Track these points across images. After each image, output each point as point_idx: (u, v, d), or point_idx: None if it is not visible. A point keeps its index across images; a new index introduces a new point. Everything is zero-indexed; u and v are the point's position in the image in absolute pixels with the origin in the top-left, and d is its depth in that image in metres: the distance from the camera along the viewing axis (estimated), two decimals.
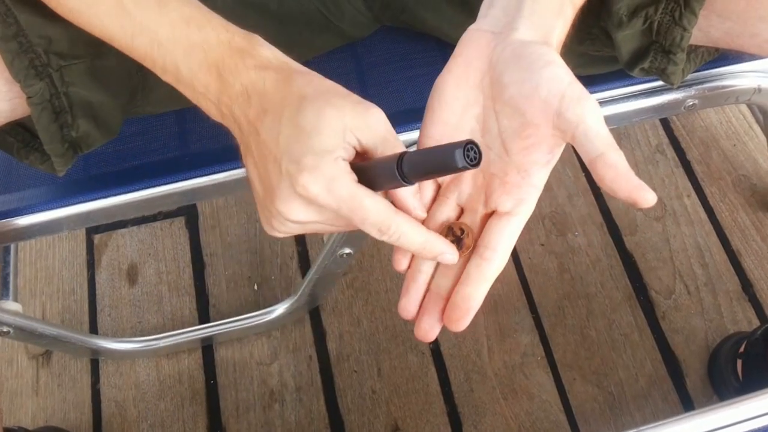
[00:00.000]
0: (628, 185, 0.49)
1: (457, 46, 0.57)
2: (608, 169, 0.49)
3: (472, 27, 0.57)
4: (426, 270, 0.57)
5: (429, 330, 0.56)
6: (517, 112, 0.53)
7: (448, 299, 0.55)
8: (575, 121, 0.50)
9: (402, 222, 0.53)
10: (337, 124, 0.52)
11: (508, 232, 0.54)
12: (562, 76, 0.51)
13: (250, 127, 0.54)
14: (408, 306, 0.57)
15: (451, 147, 0.47)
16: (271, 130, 0.53)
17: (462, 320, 0.54)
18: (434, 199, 0.58)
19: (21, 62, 0.63)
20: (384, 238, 0.52)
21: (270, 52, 0.56)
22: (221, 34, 0.55)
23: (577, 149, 0.51)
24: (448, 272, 0.56)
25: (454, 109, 0.56)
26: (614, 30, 0.68)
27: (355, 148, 0.53)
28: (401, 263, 0.57)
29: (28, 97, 0.64)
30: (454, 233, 0.55)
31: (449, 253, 0.54)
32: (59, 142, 0.68)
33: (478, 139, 0.55)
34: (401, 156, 0.50)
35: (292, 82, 0.54)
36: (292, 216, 0.53)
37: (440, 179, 0.57)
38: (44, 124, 0.66)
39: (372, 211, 0.51)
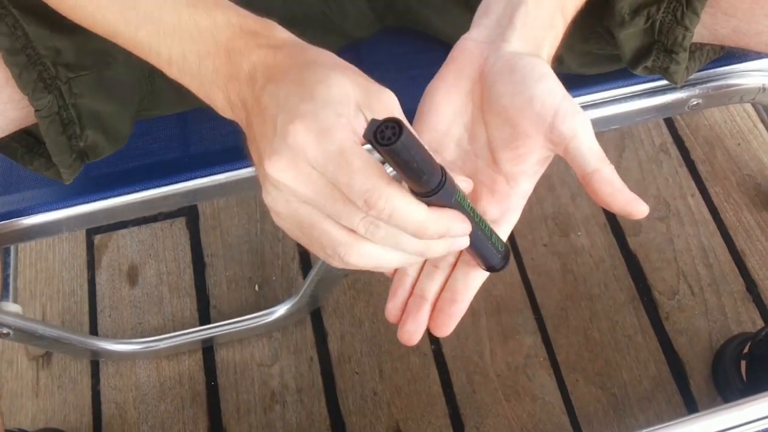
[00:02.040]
0: (623, 199, 0.50)
1: (449, 54, 0.57)
2: (604, 184, 0.50)
3: (464, 36, 0.57)
4: (412, 273, 0.56)
5: (413, 333, 0.54)
6: (508, 123, 0.53)
7: (432, 302, 0.55)
8: (569, 135, 0.50)
9: (395, 194, 0.45)
10: (349, 92, 0.48)
11: None
12: (556, 90, 0.51)
13: (254, 103, 0.50)
14: (393, 309, 0.55)
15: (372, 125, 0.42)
16: (273, 93, 0.48)
17: (447, 325, 0.54)
18: None
19: (29, 75, 0.62)
20: (372, 214, 0.45)
21: (286, 34, 0.53)
22: (232, 18, 0.52)
23: (569, 162, 0.51)
24: (432, 276, 0.55)
25: (445, 115, 0.56)
26: (616, 29, 0.67)
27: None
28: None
29: (36, 110, 0.63)
30: None
31: (459, 228, 0.48)
32: (67, 154, 0.68)
33: (465, 147, 0.55)
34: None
35: (306, 52, 0.51)
36: (276, 175, 0.46)
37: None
38: (52, 136, 0.66)
39: (360, 173, 0.44)
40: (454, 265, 0.55)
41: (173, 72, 0.54)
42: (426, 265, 0.55)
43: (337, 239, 0.47)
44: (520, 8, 0.55)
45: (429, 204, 0.46)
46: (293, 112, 0.46)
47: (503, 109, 0.53)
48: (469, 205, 0.49)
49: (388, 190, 0.44)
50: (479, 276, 0.54)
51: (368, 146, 0.44)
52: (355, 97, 0.48)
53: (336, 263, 0.49)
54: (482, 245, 0.51)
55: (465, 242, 0.50)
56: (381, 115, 0.47)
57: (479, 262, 0.53)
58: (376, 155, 0.44)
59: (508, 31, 0.55)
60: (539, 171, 0.54)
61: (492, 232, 0.52)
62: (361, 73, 0.51)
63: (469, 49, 0.56)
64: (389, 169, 0.46)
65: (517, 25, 0.54)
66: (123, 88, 0.70)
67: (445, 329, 0.54)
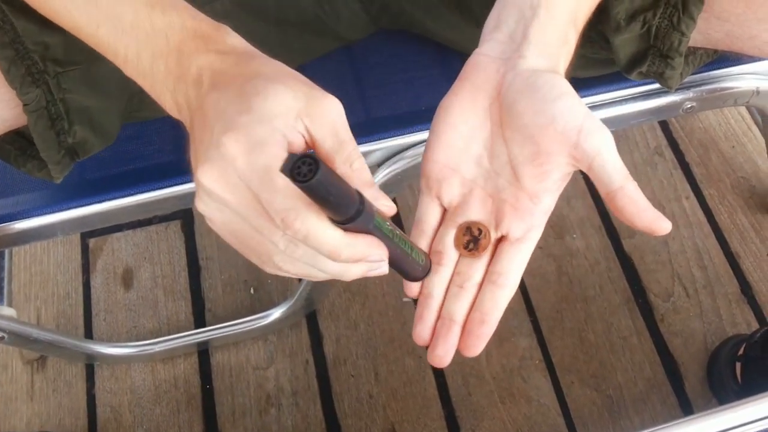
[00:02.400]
0: (648, 217, 0.51)
1: (463, 69, 0.57)
2: (629, 202, 0.51)
3: (477, 51, 0.57)
4: (437, 295, 0.56)
5: (444, 356, 0.55)
6: (529, 141, 0.53)
7: (462, 325, 0.55)
8: (593, 153, 0.51)
9: (311, 218, 0.45)
10: (289, 102, 0.48)
11: (520, 258, 0.55)
12: (577, 108, 0.52)
13: (197, 107, 0.50)
14: (422, 333, 0.56)
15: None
16: (215, 101, 0.48)
17: (477, 346, 0.54)
18: (440, 224, 0.57)
19: (17, 69, 0.62)
20: (289, 233, 0.45)
21: (237, 41, 0.53)
22: (187, 21, 0.53)
23: (593, 179, 0.52)
24: (459, 297, 0.55)
25: (461, 132, 0.55)
26: (612, 34, 0.67)
27: (303, 136, 0.49)
28: (412, 289, 0.56)
29: (25, 105, 0.63)
30: (472, 233, 0.55)
31: (375, 254, 0.49)
32: (55, 149, 0.68)
33: (485, 165, 0.55)
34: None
35: (251, 62, 0.51)
36: (207, 183, 0.46)
37: (446, 203, 0.57)
38: (40, 131, 0.66)
39: (280, 193, 0.45)
40: (481, 284, 0.55)
41: (129, 70, 0.54)
42: (451, 287, 0.56)
43: (271, 249, 0.48)
44: (534, 23, 0.55)
45: (347, 230, 0.46)
46: (229, 123, 0.46)
47: (525, 127, 0.53)
48: (388, 229, 0.49)
49: (304, 213, 0.45)
50: (506, 295, 0.55)
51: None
52: (295, 107, 0.48)
53: (269, 269, 0.50)
54: (403, 262, 0.52)
55: (383, 267, 0.50)
56: (321, 123, 0.48)
57: (402, 275, 0.54)
58: None
59: (524, 47, 0.54)
60: (561, 187, 0.55)
61: (413, 248, 0.53)
62: (307, 81, 0.50)
63: (483, 64, 0.56)
64: None
65: (532, 41, 0.54)
66: (111, 84, 0.70)
67: (475, 350, 0.54)
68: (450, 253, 0.56)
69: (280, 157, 0.45)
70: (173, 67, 0.52)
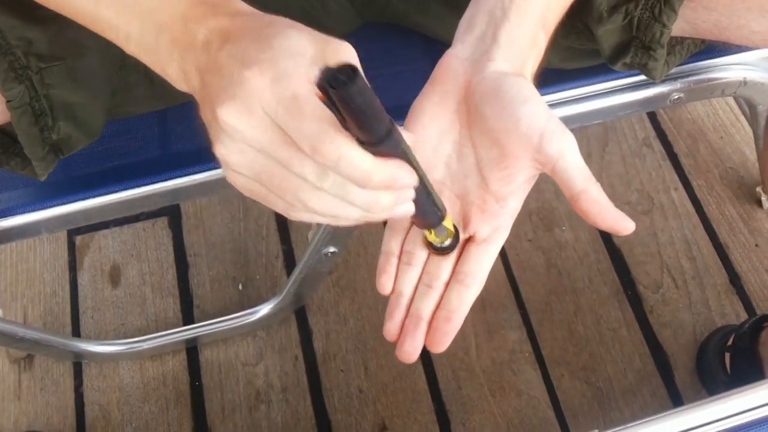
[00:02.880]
0: (611, 217, 0.53)
1: (434, 70, 0.57)
2: (592, 203, 0.53)
3: (449, 51, 0.58)
4: (407, 293, 0.57)
5: (411, 352, 0.56)
6: (495, 144, 0.54)
7: (428, 321, 0.56)
8: (556, 155, 0.52)
9: (342, 141, 0.43)
10: (305, 44, 0.46)
11: (487, 259, 0.56)
12: (541, 112, 0.52)
13: (211, 64, 0.47)
14: (391, 329, 0.57)
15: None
16: (230, 51, 0.46)
17: (443, 342, 0.56)
18: (411, 224, 0.57)
19: (0, 66, 0.61)
20: (319, 160, 0.44)
21: (246, 7, 0.51)
22: None
23: (557, 181, 0.53)
24: (427, 295, 0.56)
25: (431, 132, 0.56)
26: (595, 25, 0.67)
27: None
28: (386, 286, 0.57)
29: (8, 101, 0.63)
30: None
31: (405, 177, 0.47)
32: (40, 146, 0.67)
33: (453, 167, 0.56)
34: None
35: (263, 18, 0.49)
36: (230, 120, 0.45)
37: None
38: (24, 127, 0.65)
39: (309, 119, 0.43)
40: (447, 284, 0.56)
41: (131, 48, 0.52)
42: (420, 286, 0.57)
43: (298, 185, 0.46)
44: (504, 25, 0.55)
45: (376, 154, 0.45)
46: (251, 60, 0.45)
47: (490, 130, 0.54)
48: (413, 157, 0.48)
49: (335, 136, 0.43)
50: (472, 293, 0.56)
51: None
52: (311, 51, 0.45)
53: (296, 213, 0.48)
54: (424, 201, 0.51)
55: (410, 194, 0.49)
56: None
57: (418, 220, 0.53)
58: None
59: (493, 49, 0.55)
60: (527, 189, 0.56)
61: (432, 189, 0.52)
62: (318, 32, 0.48)
63: (453, 67, 0.57)
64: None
65: (501, 43, 0.55)
66: (95, 79, 0.69)
67: (441, 346, 0.56)
68: (419, 253, 0.57)
69: (304, 87, 0.44)
70: (179, 36, 0.49)
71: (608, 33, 0.68)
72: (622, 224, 0.53)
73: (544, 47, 0.58)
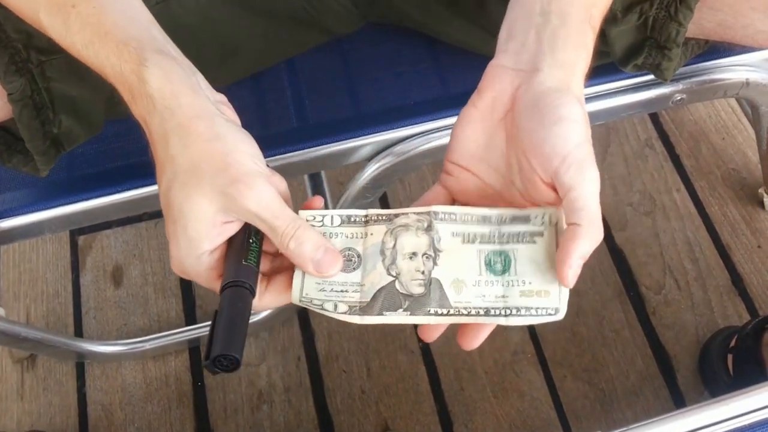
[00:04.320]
0: (565, 264, 0.51)
1: (481, 80, 0.57)
2: (567, 243, 0.51)
3: (494, 62, 0.57)
4: None
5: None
6: (525, 158, 0.53)
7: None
8: (568, 185, 0.51)
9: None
10: (207, 210, 0.52)
11: None
12: (569, 136, 0.51)
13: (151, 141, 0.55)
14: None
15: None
16: (160, 184, 0.54)
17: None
18: None
19: (1, 59, 0.62)
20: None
21: (157, 84, 0.53)
22: (115, 65, 0.53)
23: (564, 208, 0.52)
24: None
25: (480, 142, 0.56)
26: (608, 26, 0.67)
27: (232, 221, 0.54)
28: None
29: (9, 94, 0.63)
30: None
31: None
32: (41, 140, 0.67)
33: (503, 174, 0.56)
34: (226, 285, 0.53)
35: (169, 143, 0.53)
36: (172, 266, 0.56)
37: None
38: (25, 121, 0.65)
39: (205, 281, 0.55)
40: None
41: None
42: None
43: None
44: (546, 29, 0.54)
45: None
46: (168, 232, 0.53)
47: (522, 143, 0.53)
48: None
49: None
50: None
51: None
52: (213, 210, 0.52)
53: None
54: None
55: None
56: (244, 214, 0.52)
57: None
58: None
59: (539, 57, 0.54)
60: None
61: None
62: (224, 168, 0.52)
63: (499, 76, 0.56)
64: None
65: (545, 49, 0.54)
66: (94, 73, 0.69)
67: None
68: None
69: (203, 262, 0.54)
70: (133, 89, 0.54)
71: (621, 33, 0.68)
72: (564, 275, 0.51)
73: (592, 46, 0.56)
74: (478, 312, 0.54)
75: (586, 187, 0.50)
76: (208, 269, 0.54)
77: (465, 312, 0.54)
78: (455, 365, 1.22)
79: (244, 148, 0.53)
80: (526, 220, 0.55)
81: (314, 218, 0.57)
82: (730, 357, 1.14)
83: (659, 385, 1.20)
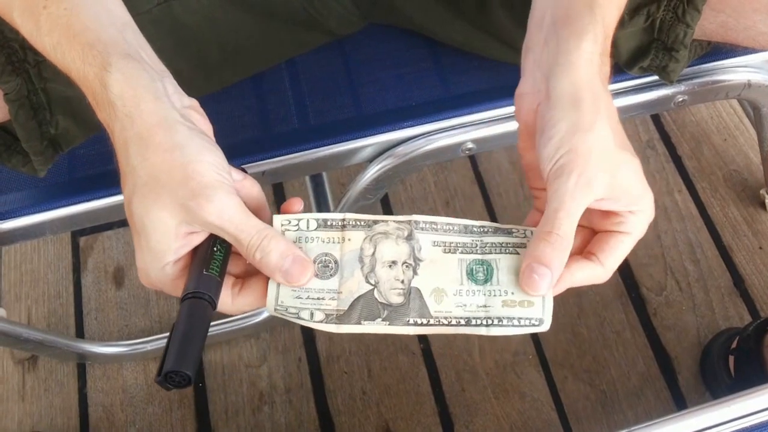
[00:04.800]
0: (528, 268, 0.52)
1: (515, 111, 0.57)
2: (533, 250, 0.51)
3: (518, 91, 0.56)
4: None
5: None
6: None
7: None
8: (551, 192, 0.51)
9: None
10: (168, 223, 0.51)
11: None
12: (560, 145, 0.51)
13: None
14: None
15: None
16: (124, 193, 0.53)
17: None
18: None
19: None
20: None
21: (118, 88, 0.52)
22: (80, 69, 0.52)
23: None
24: None
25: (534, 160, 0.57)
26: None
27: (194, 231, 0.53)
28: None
29: (5, 94, 0.63)
30: None
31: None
32: (38, 140, 0.67)
33: None
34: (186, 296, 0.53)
35: (129, 153, 0.52)
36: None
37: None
38: (22, 121, 0.65)
39: (170, 290, 0.54)
40: None
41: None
42: None
43: None
44: (556, 46, 0.53)
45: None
46: (134, 242, 0.54)
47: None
48: None
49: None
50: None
51: None
52: (175, 222, 0.51)
53: None
54: None
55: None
56: (207, 225, 0.51)
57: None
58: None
59: (550, 77, 0.53)
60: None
61: None
62: (185, 180, 0.51)
63: (525, 106, 0.56)
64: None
65: (560, 62, 0.53)
66: None
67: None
68: None
69: (166, 272, 0.53)
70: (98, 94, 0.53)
71: (628, 36, 0.68)
72: (526, 279, 0.52)
73: (608, 53, 0.54)
74: (459, 322, 0.53)
75: (563, 195, 0.51)
76: (173, 279, 0.53)
77: (446, 322, 0.53)
78: (456, 366, 1.22)
79: (206, 158, 0.51)
80: (508, 232, 0.55)
81: (289, 222, 0.55)
82: (731, 358, 1.14)
83: (660, 387, 1.19)
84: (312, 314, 0.53)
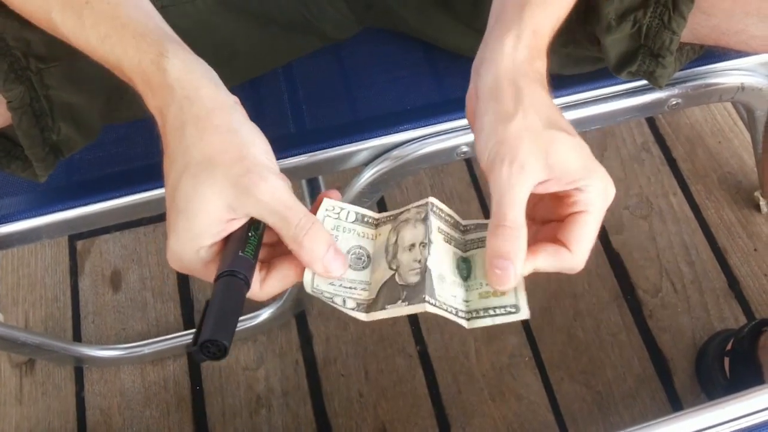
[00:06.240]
0: (489, 266, 0.52)
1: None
2: (489, 247, 0.52)
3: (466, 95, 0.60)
4: None
5: None
6: None
7: None
8: (492, 183, 0.53)
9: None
10: (215, 202, 0.52)
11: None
12: (492, 138, 0.53)
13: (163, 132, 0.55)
14: None
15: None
16: (168, 176, 0.54)
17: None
18: None
19: (0, 67, 0.62)
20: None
21: (176, 83, 0.54)
22: (133, 57, 0.54)
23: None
24: None
25: None
26: (603, 34, 0.67)
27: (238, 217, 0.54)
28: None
29: (9, 102, 0.63)
30: None
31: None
32: (40, 146, 0.68)
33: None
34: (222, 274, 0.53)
35: (185, 134, 0.53)
36: (167, 259, 0.57)
37: None
38: (25, 128, 0.65)
39: (204, 275, 0.55)
40: None
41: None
42: None
43: None
44: (485, 45, 0.57)
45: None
46: (170, 224, 0.53)
47: None
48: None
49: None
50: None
51: None
52: (222, 203, 0.52)
53: None
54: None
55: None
56: (253, 208, 0.52)
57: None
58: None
59: (479, 77, 0.57)
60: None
61: None
62: (238, 159, 0.52)
63: (469, 105, 0.59)
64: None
65: (481, 70, 0.57)
66: (92, 80, 0.70)
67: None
68: None
69: (202, 257, 0.54)
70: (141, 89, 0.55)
71: (616, 42, 0.68)
72: (494, 266, 0.52)
73: (541, 49, 0.57)
74: (449, 310, 0.54)
75: (506, 190, 0.52)
76: (206, 263, 0.54)
77: (444, 307, 0.54)
78: (453, 369, 1.23)
79: (259, 144, 0.54)
80: (485, 227, 0.56)
81: (333, 209, 0.57)
82: (726, 360, 1.14)
83: (656, 388, 1.20)
84: (345, 301, 0.55)
